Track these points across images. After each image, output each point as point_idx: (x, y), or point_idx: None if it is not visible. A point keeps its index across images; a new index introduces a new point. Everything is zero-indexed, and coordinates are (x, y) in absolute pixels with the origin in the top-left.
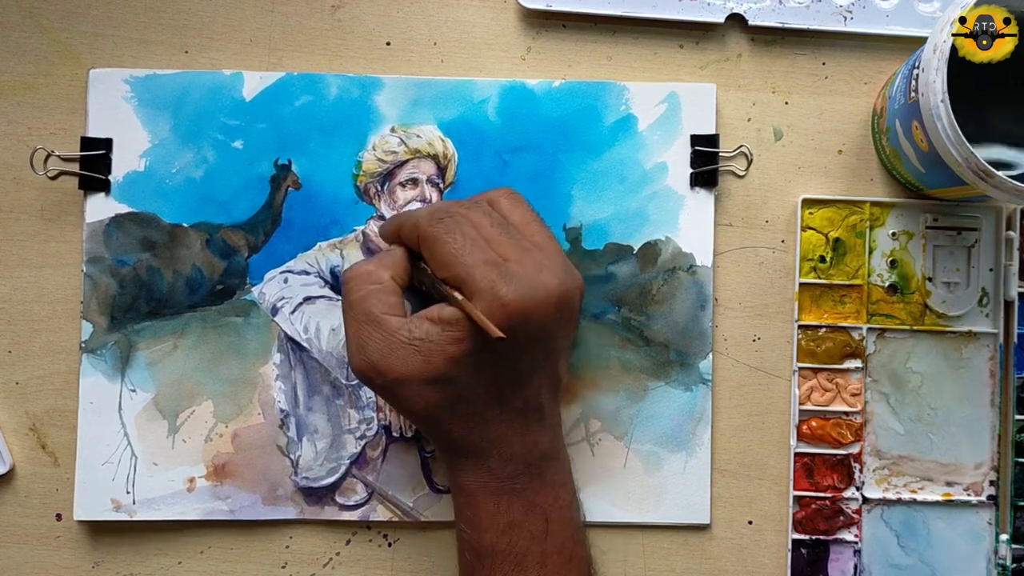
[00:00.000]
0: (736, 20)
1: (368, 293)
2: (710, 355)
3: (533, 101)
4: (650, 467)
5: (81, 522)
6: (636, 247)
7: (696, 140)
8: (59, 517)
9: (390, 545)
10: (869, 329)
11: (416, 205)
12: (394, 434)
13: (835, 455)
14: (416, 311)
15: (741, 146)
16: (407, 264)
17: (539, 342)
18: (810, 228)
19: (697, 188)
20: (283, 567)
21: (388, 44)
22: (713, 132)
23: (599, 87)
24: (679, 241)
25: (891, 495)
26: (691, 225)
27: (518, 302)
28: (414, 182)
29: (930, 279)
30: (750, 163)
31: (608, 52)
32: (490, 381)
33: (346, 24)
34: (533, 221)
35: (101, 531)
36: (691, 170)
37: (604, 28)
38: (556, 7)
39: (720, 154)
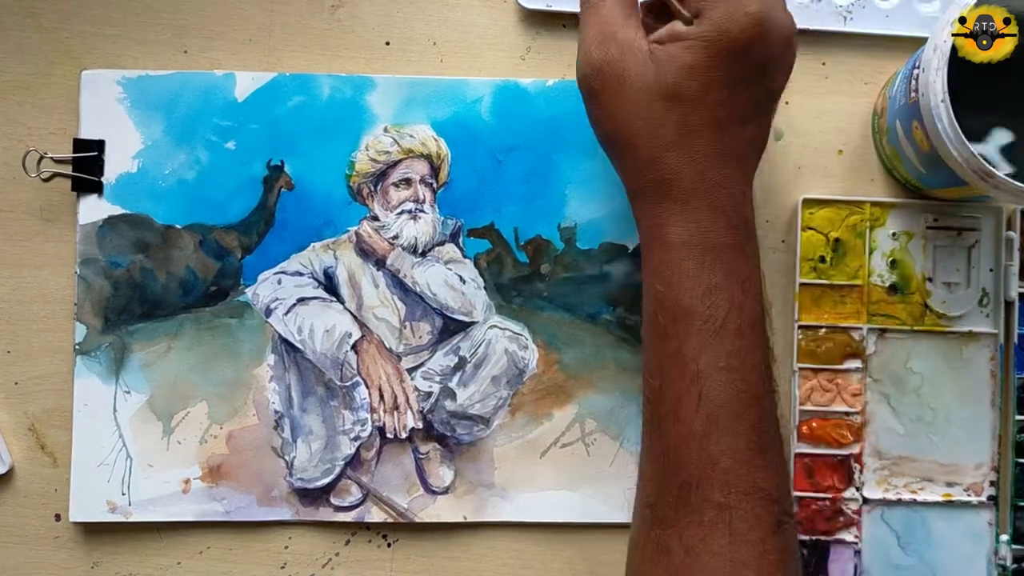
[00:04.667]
0: None
1: (616, 1)
2: None
3: (527, 100)
4: None
5: (79, 523)
6: (631, 247)
7: None
8: (58, 517)
9: (389, 546)
10: (869, 329)
11: (410, 206)
12: (388, 435)
13: (835, 455)
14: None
15: None
16: None
17: (764, 76)
18: (810, 228)
19: None
20: (282, 567)
21: (388, 44)
22: None
23: None
24: None
25: (891, 495)
26: None
27: (760, 15)
28: (407, 182)
29: (930, 279)
30: None
31: None
32: (716, 105)
33: (346, 24)
34: None
35: (100, 531)
36: None
37: None
38: (556, 7)
39: None
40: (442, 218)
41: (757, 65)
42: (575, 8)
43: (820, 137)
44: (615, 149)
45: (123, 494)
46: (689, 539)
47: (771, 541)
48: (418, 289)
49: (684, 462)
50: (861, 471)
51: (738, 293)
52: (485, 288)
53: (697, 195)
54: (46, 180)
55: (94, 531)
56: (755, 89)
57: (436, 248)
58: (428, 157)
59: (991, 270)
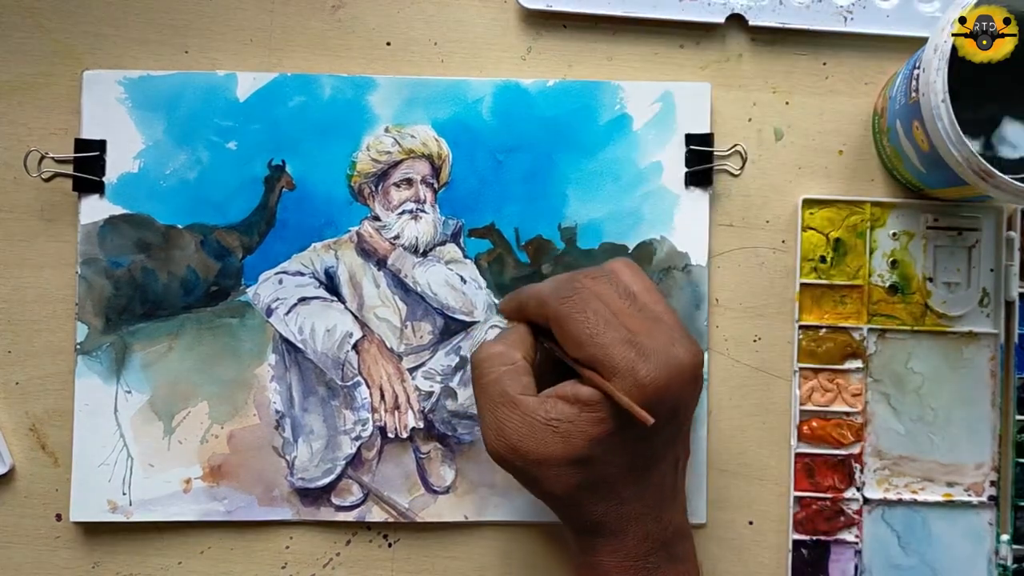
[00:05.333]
0: (736, 20)
1: (502, 374)
2: (706, 354)
3: (527, 100)
4: None
5: (80, 523)
6: (631, 247)
7: (691, 139)
8: (59, 517)
9: (390, 546)
10: (870, 329)
11: (411, 206)
12: (389, 435)
13: (836, 455)
14: (540, 386)
15: (736, 145)
16: (533, 341)
17: (674, 417)
18: (811, 228)
19: (692, 187)
20: (283, 567)
21: (388, 44)
22: (708, 131)
23: (594, 86)
24: (674, 240)
25: (892, 495)
26: (686, 224)
27: (658, 381)
28: (408, 182)
29: (931, 279)
30: (745, 162)
31: (609, 52)
32: (630, 460)
33: (346, 24)
34: (653, 290)
35: (101, 531)
36: (686, 169)
37: (604, 28)
38: (556, 7)
39: (715, 153)
40: (443, 218)
41: (664, 417)
42: (577, 8)
43: (820, 137)
44: (544, 502)
45: (124, 494)
46: None
47: None
48: (419, 289)
49: None
50: (862, 471)
51: None
52: (486, 288)
53: (625, 530)
54: (47, 180)
55: (95, 531)
56: (667, 430)
57: (437, 248)
58: (429, 157)
59: (991, 270)
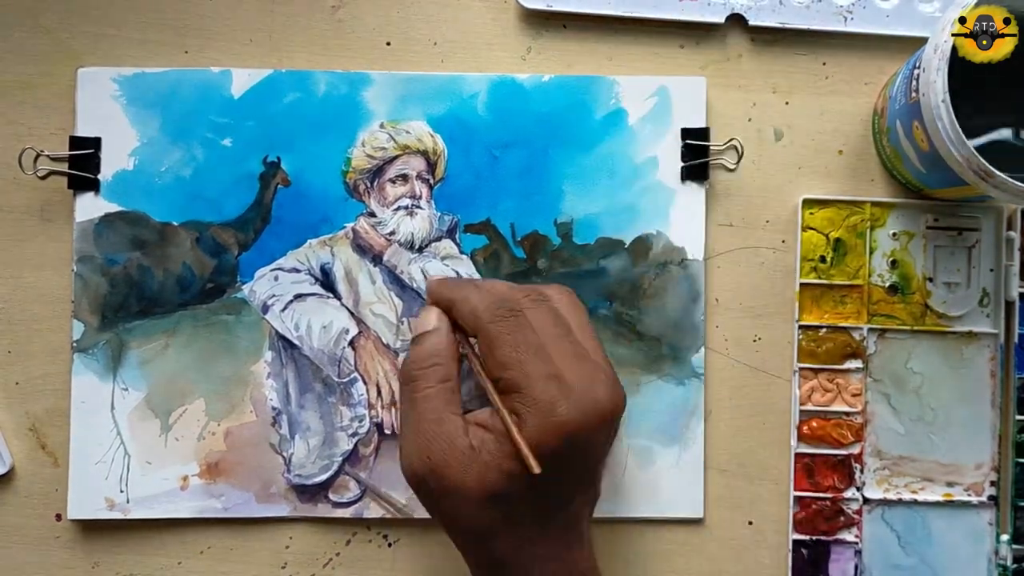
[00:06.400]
0: (736, 20)
1: (438, 391)
2: (702, 349)
3: (523, 96)
4: (643, 461)
5: (80, 522)
6: (627, 241)
7: (686, 133)
8: (59, 517)
9: (390, 546)
10: (870, 329)
11: (407, 202)
12: (386, 431)
13: (836, 455)
14: None
15: (732, 139)
16: (457, 348)
17: (585, 459)
18: (811, 228)
19: (688, 182)
20: (283, 567)
21: (388, 44)
22: (703, 125)
23: (589, 81)
24: (670, 235)
25: (892, 495)
26: (682, 219)
27: (574, 421)
28: (404, 178)
29: (931, 279)
30: (741, 156)
31: (609, 52)
32: (539, 499)
33: (346, 24)
34: (587, 325)
35: (100, 531)
36: (681, 164)
37: (605, 28)
38: (556, 7)
39: (711, 147)
40: (439, 214)
41: (574, 458)
42: (576, 8)
43: (820, 137)
44: (448, 534)
45: (121, 491)
46: None
47: None
48: (415, 285)
49: None
50: (862, 471)
51: None
52: None
53: (530, 572)
54: (42, 178)
55: (95, 531)
56: (577, 472)
57: (433, 244)
58: (424, 153)
59: (991, 270)
